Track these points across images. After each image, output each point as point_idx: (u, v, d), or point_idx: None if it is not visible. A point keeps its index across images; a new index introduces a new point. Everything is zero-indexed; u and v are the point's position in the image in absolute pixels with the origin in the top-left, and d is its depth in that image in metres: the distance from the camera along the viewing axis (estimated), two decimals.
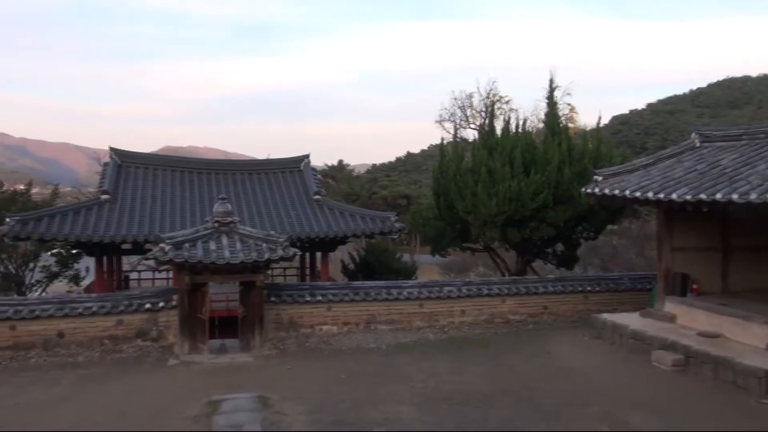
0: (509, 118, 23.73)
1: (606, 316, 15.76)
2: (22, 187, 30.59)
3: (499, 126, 22.61)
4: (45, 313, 14.17)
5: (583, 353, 14.27)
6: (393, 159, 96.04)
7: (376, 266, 25.37)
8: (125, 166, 22.15)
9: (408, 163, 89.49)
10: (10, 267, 26.10)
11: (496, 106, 38.18)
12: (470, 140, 37.76)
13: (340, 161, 64.20)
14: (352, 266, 26.71)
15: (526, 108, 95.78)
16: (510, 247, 21.60)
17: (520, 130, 21.24)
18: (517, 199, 18.74)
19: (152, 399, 11.11)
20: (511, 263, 22.85)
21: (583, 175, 18.49)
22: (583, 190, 16.17)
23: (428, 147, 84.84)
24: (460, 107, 43.60)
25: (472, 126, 42.80)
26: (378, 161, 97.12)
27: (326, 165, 60.55)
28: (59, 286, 27.68)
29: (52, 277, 27.03)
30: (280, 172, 24.15)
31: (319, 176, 25.78)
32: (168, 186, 21.86)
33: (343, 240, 21.69)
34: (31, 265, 26.58)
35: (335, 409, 10.45)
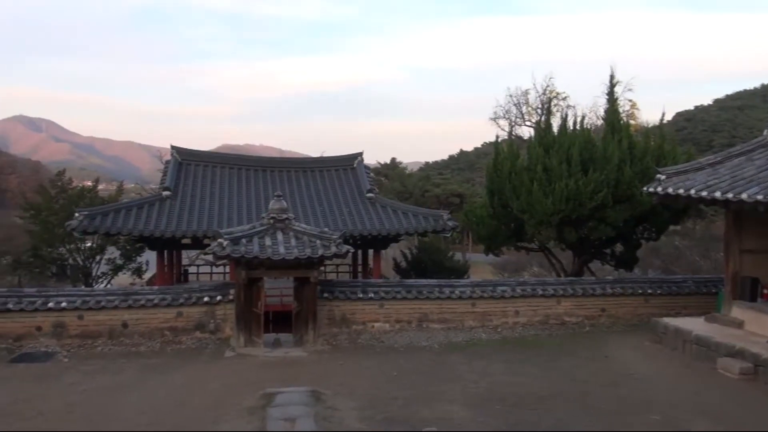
0: (566, 114, 23.21)
1: (668, 320, 15.16)
2: (89, 183, 32.11)
3: (556, 123, 22.12)
4: (110, 304, 14.81)
5: (643, 358, 13.77)
6: (446, 157, 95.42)
7: (429, 264, 25.31)
8: (186, 164, 22.86)
9: (461, 161, 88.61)
10: (79, 259, 27.43)
11: (552, 103, 37.32)
12: (526, 138, 37.12)
13: (393, 159, 64.29)
14: (404, 264, 26.73)
15: (584, 104, 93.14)
16: (566, 247, 21.09)
17: (578, 127, 20.68)
18: (574, 198, 18.27)
19: (210, 389, 11.43)
20: (567, 263, 22.31)
21: (645, 174, 17.85)
22: (645, 189, 15.60)
23: (482, 145, 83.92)
24: (515, 104, 42.78)
25: (528, 123, 41.92)
26: (431, 159, 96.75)
27: (379, 163, 60.79)
28: (123, 279, 28.92)
29: (116, 269, 28.26)
30: (334, 169, 24.39)
31: (371, 174, 25.89)
32: (226, 183, 22.45)
33: (395, 238, 21.72)
34: (98, 257, 27.86)
35: (387, 406, 10.46)
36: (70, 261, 27.41)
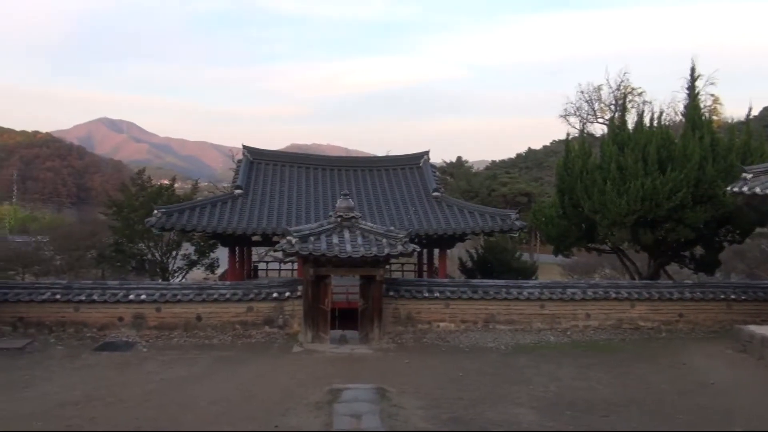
0: (642, 111, 22.24)
1: (754, 328, 14.25)
2: (166, 182, 33.66)
3: (630, 120, 21.25)
4: (186, 297, 15.44)
5: (725, 367, 13.00)
6: (513, 155, 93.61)
7: (495, 265, 24.91)
8: (257, 163, 23.52)
9: (529, 159, 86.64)
10: (156, 254, 28.79)
11: (627, 99, 35.84)
12: (598, 135, 35.92)
13: (459, 158, 63.84)
14: (469, 264, 26.43)
15: (661, 100, 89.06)
16: (641, 248, 20.22)
17: (655, 123, 19.79)
18: (650, 197, 17.49)
19: (278, 383, 11.70)
20: (641, 266, 21.41)
21: (729, 173, 16.89)
22: (728, 188, 14.74)
23: (551, 143, 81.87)
24: (587, 101, 41.52)
25: (600, 120, 40.60)
26: (497, 157, 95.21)
27: (444, 161, 60.51)
28: (197, 274, 30.12)
29: (191, 264, 29.49)
30: (400, 168, 24.45)
31: (437, 173, 25.77)
32: (294, 181, 22.94)
33: (461, 237, 21.52)
34: (174, 253, 29.15)
35: (452, 407, 10.37)
36: (149, 256, 28.82)
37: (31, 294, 15.21)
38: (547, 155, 78.84)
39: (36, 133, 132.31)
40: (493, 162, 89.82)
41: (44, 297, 15.13)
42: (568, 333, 16.03)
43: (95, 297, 15.23)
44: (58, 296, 15.16)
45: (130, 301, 15.28)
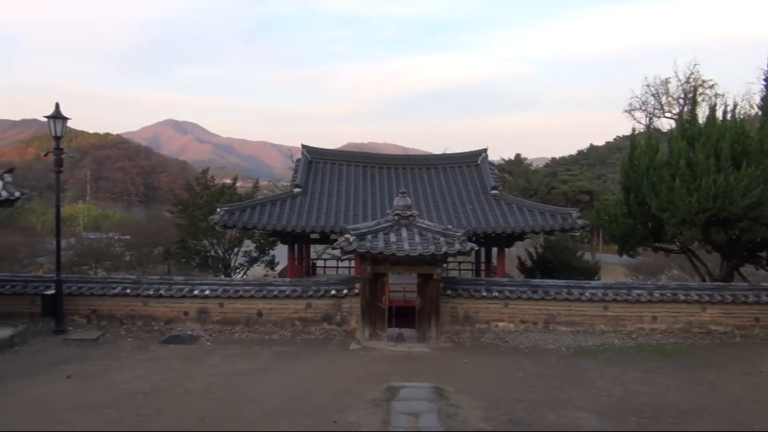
0: (714, 104, 21.16)
1: None
2: (229, 181, 34.65)
3: (701, 114, 20.27)
4: (247, 293, 15.83)
5: None
6: (574, 152, 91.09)
7: (555, 264, 24.34)
8: (315, 162, 23.85)
9: (591, 156, 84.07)
10: (219, 251, 29.70)
11: (698, 92, 34.23)
12: (665, 130, 34.53)
13: (518, 155, 62.70)
14: (529, 263, 25.95)
15: (735, 92, 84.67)
16: (713, 248, 19.25)
17: (728, 117, 18.77)
18: (723, 195, 16.59)
19: (336, 379, 11.80)
20: (713, 267, 20.38)
21: None
22: None
23: (614, 139, 79.17)
24: (653, 95, 39.93)
25: (668, 115, 38.98)
26: (557, 154, 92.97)
27: (503, 159, 59.59)
28: (257, 270, 30.85)
29: (252, 261, 30.27)
30: (458, 166, 24.23)
31: (496, 171, 25.40)
32: (352, 180, 23.11)
33: (520, 236, 21.12)
34: (236, 250, 30.00)
35: (511, 408, 10.17)
36: (212, 252, 29.78)
37: (104, 288, 15.98)
38: (610, 152, 76.31)
39: (107, 135, 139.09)
40: (553, 159, 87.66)
41: (115, 291, 15.86)
42: (634, 336, 15.46)
43: (162, 292, 15.83)
44: (128, 291, 15.87)
45: (195, 297, 15.79)
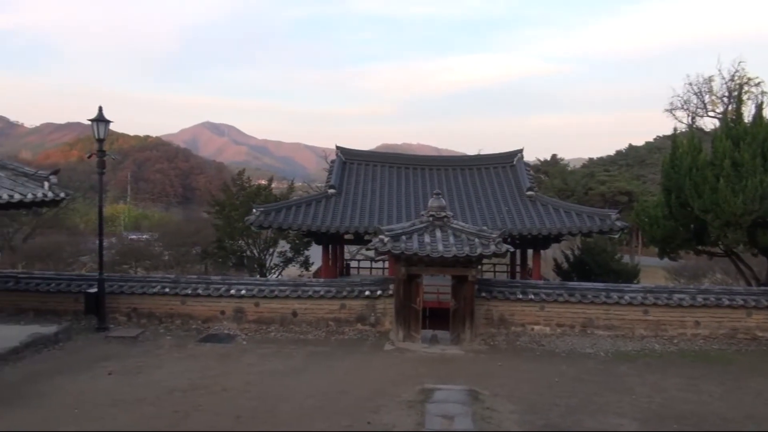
0: (761, 102, 20.33)
1: None
2: (264, 182, 35.15)
3: (747, 112, 19.54)
4: (282, 293, 15.98)
5: None
6: (612, 152, 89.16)
7: (593, 267, 23.91)
8: (349, 163, 23.94)
9: (630, 156, 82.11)
10: (255, 251, 30.11)
11: (743, 90, 33.07)
12: (708, 130, 33.53)
13: (554, 155, 61.77)
14: (565, 265, 25.56)
15: None
16: (759, 252, 18.57)
17: None
18: None
19: (371, 380, 11.81)
20: (759, 271, 19.66)
21: None
22: None
23: (654, 139, 77.17)
24: (695, 93, 38.73)
25: (711, 114, 37.78)
26: (595, 155, 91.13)
27: (539, 160, 58.77)
28: (292, 270, 31.15)
29: (286, 261, 30.59)
30: (492, 167, 24.01)
31: (531, 171, 25.07)
32: (386, 181, 23.13)
33: (556, 238, 20.80)
34: (271, 250, 30.37)
35: (548, 413, 10.00)
36: (248, 252, 30.21)
37: (144, 287, 16.34)
38: (650, 152, 74.40)
39: (147, 137, 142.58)
40: (591, 159, 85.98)
41: (155, 290, 16.21)
42: (675, 342, 15.04)
43: (200, 291, 16.11)
44: (167, 290, 16.19)
45: (231, 296, 16.02)
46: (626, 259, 32.67)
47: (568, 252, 26.11)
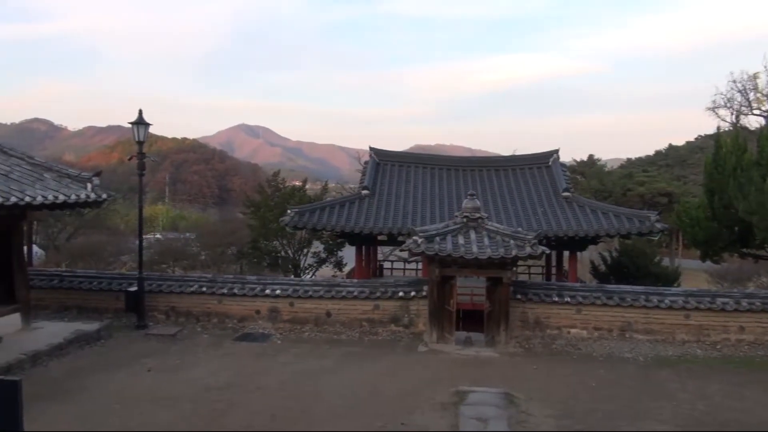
0: None
1: None
2: (298, 183, 35.39)
3: None
4: (316, 294, 16.07)
5: None
6: (651, 152, 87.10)
7: (632, 269, 23.36)
8: (383, 164, 23.95)
9: (670, 156, 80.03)
10: (289, 252, 30.37)
11: None
12: (753, 129, 32.46)
13: (590, 156, 60.54)
14: (603, 268, 25.03)
15: None
16: None
17: None
18: None
19: (404, 381, 11.79)
20: None
21: None
22: None
23: (696, 138, 75.09)
24: (740, 90, 37.57)
25: (756, 112, 36.61)
26: (633, 155, 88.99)
27: (575, 160, 57.76)
28: (326, 271, 31.31)
29: (320, 262, 30.74)
30: (528, 168, 23.70)
31: (567, 172, 24.65)
32: (420, 182, 23.05)
33: (593, 239, 20.40)
34: (305, 250, 30.57)
35: (586, 418, 9.82)
36: (282, 253, 30.47)
37: (182, 286, 16.66)
38: (691, 152, 72.44)
39: (184, 139, 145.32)
40: (629, 160, 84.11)
41: (192, 289, 16.50)
42: (718, 347, 14.59)
43: (236, 291, 16.33)
44: (204, 289, 16.47)
45: (267, 296, 16.19)
46: (666, 261, 31.80)
47: (606, 254, 25.57)
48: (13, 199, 11.69)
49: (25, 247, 15.49)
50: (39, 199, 12.27)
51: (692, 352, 14.27)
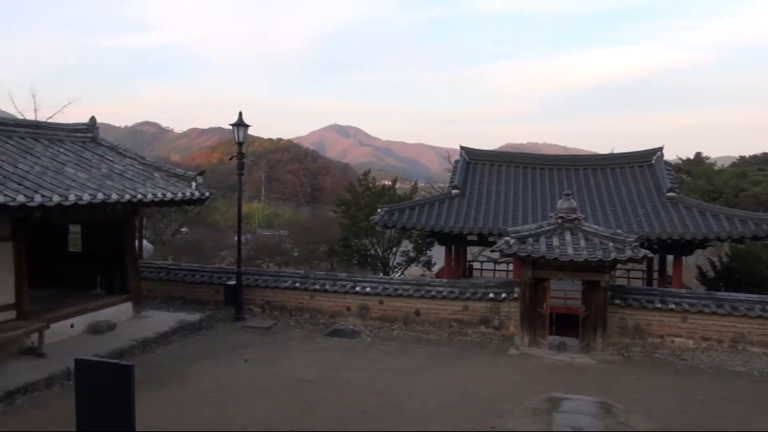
0: None
1: None
2: (388, 182, 35.72)
3: None
4: (406, 292, 16.12)
5: None
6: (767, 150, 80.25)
7: (744, 276, 21.64)
8: (473, 163, 23.60)
9: None
10: (379, 250, 30.69)
11: None
12: None
13: (698, 154, 56.54)
14: (711, 274, 23.35)
15: None
16: None
17: None
18: None
19: (494, 384, 11.56)
20: None
21: None
22: None
23: None
24: None
25: None
26: (746, 153, 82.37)
27: (680, 158, 54.21)
28: (414, 270, 31.37)
29: (409, 261, 30.84)
30: (628, 167, 22.50)
31: (672, 171, 23.17)
32: (512, 181, 22.51)
33: (701, 243, 19.04)
34: (394, 249, 30.78)
35: None
36: (372, 251, 30.85)
37: (276, 281, 17.28)
38: None
39: (279, 140, 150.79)
40: (742, 158, 77.83)
41: (286, 284, 17.07)
42: None
43: (327, 287, 16.71)
44: (297, 284, 16.98)
45: (357, 293, 16.44)
46: None
47: (715, 259, 23.83)
48: (127, 196, 12.60)
49: (136, 241, 16.63)
50: (150, 196, 13.16)
51: None
